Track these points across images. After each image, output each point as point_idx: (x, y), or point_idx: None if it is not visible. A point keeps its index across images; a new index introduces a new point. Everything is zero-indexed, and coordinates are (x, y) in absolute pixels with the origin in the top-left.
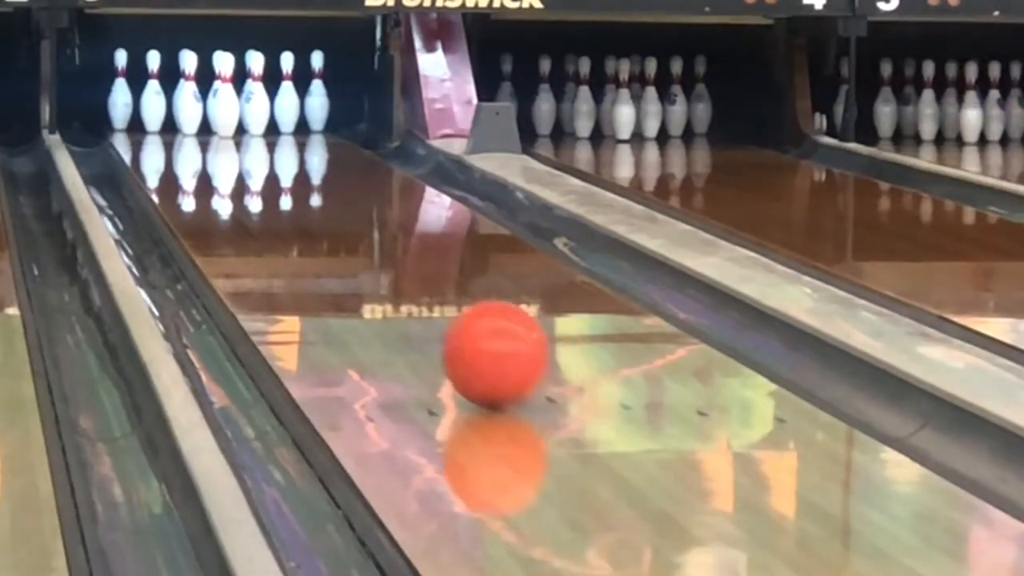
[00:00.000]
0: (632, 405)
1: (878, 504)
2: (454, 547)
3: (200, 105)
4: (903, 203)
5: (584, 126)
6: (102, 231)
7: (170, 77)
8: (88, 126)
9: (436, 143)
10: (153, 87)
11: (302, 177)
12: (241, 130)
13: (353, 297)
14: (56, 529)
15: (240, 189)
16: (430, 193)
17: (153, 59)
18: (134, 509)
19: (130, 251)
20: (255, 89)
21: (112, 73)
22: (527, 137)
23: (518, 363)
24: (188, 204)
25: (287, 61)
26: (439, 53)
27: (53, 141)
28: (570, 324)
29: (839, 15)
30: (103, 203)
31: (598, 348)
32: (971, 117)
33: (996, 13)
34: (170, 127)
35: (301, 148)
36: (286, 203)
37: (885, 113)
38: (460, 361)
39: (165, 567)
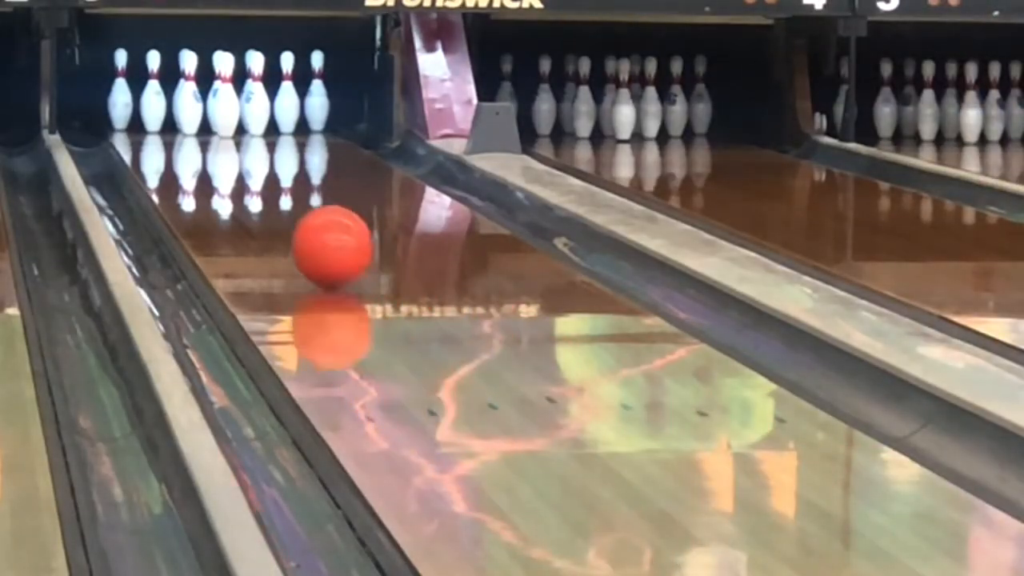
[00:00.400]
0: (632, 405)
1: (878, 504)
2: (454, 547)
3: (200, 105)
4: (903, 203)
5: (584, 126)
6: (102, 231)
7: (170, 77)
8: (88, 126)
9: (436, 143)
10: (153, 87)
11: (302, 177)
12: (241, 130)
13: (353, 297)
14: (56, 529)
15: (240, 189)
16: (430, 193)
17: (153, 59)
18: (134, 509)
19: (130, 251)
20: (255, 89)
21: (112, 73)
22: (527, 137)
23: (351, 253)
24: (188, 204)
25: (287, 61)
26: (439, 53)
27: (53, 141)
28: (570, 324)
29: (839, 15)
30: (103, 203)
31: (598, 348)
32: (971, 117)
33: (996, 13)
34: (170, 127)
35: (301, 148)
36: (286, 203)
37: (885, 113)
38: (307, 253)
39: (165, 567)
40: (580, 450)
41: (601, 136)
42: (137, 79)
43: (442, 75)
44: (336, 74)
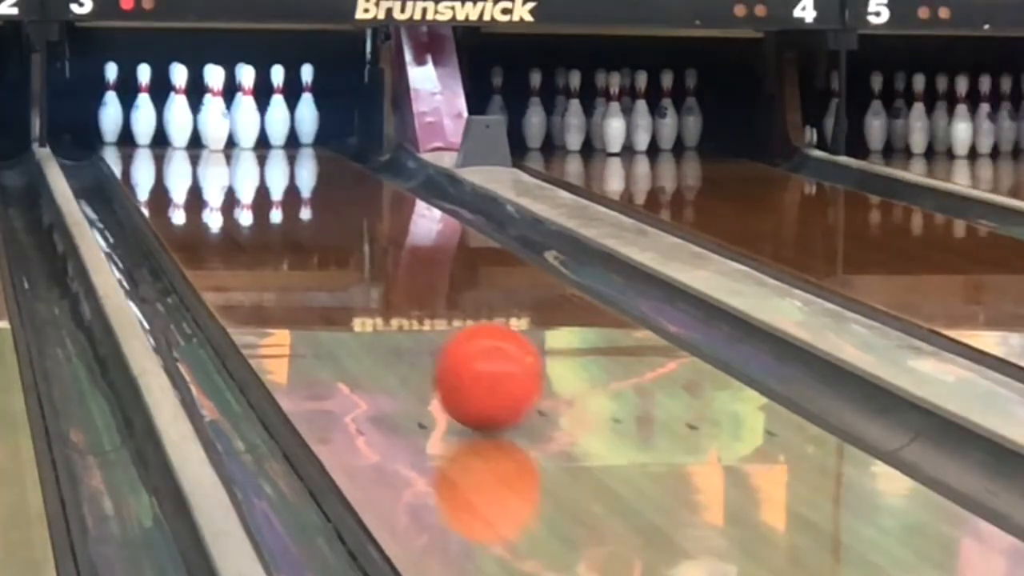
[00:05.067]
0: (623, 418)
1: (868, 517)
2: (444, 560)
3: (191, 118)
4: (893, 216)
5: (574, 139)
6: (92, 244)
7: (161, 90)
8: (79, 139)
9: (426, 156)
10: (144, 100)
11: (292, 190)
12: (231, 143)
13: (343, 310)
14: (46, 543)
15: (230, 202)
16: (420, 206)
17: (144, 72)
18: (124, 522)
19: (120, 264)
20: (245, 102)
21: (103, 86)
22: (517, 150)
23: (512, 385)
24: (178, 217)
25: (277, 74)
26: (429, 66)
27: (43, 154)
28: (561, 337)
29: (829, 28)
30: (93, 216)
31: (589, 361)
32: (961, 130)
33: (986, 26)
34: (160, 140)
35: (291, 161)
36: (276, 216)
37: (875, 126)
38: (453, 383)
39: None
40: (570, 463)
41: (591, 149)
42: (128, 92)
43: (432, 88)
44: (326, 87)
